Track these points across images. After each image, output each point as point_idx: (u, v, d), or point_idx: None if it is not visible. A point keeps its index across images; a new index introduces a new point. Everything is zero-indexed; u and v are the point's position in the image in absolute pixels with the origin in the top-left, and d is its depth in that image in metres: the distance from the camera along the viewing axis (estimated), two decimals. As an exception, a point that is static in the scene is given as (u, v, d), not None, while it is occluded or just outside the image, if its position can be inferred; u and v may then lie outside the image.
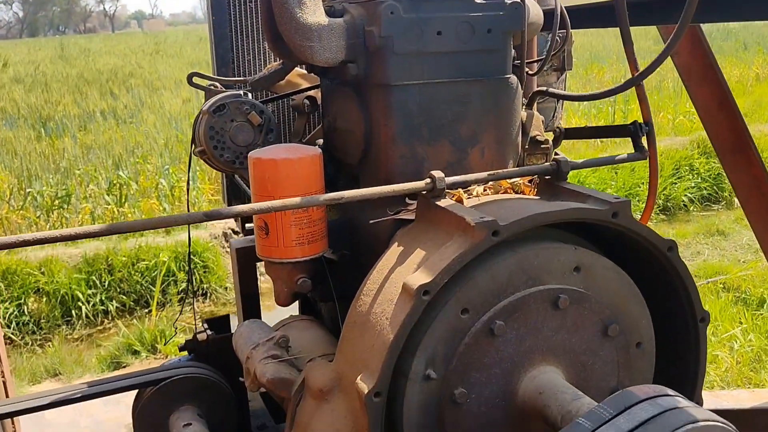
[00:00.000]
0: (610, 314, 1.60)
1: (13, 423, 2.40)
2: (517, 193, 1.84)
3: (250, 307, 2.50)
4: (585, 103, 11.35)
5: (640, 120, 1.97)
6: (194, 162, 2.55)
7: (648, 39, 18.89)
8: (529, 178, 1.83)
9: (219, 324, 2.32)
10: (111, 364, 5.79)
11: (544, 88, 2.17)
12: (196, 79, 2.29)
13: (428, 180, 1.62)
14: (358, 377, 1.45)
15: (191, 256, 7.69)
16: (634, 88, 1.88)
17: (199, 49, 32.21)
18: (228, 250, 9.27)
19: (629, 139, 1.99)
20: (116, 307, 7.91)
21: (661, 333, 1.70)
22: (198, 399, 2.09)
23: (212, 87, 2.18)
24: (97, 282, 8.01)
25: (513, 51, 1.88)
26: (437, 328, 1.48)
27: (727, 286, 6.05)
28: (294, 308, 2.29)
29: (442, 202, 1.61)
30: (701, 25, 2.92)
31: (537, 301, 1.53)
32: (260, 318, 2.32)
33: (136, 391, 2.12)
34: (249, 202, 2.41)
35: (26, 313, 7.56)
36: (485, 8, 1.77)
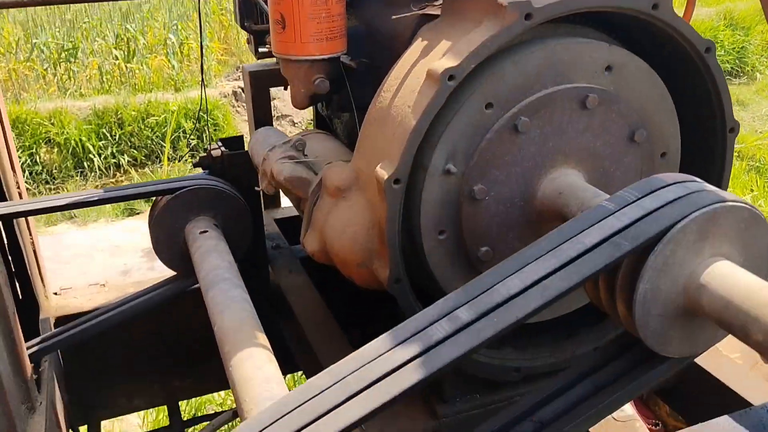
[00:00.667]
0: (638, 119, 1.55)
1: (32, 236, 2.45)
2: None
3: (264, 131, 2.46)
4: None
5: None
6: (204, 20, 2.42)
7: None
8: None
9: (233, 142, 2.30)
10: (125, 210, 5.89)
11: None
12: None
13: (457, -29, 1.52)
14: (378, 166, 1.43)
15: (201, 114, 7.58)
16: None
17: None
18: (238, 109, 9.17)
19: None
20: (127, 161, 7.94)
21: (686, 144, 1.66)
22: (214, 210, 2.10)
23: None
24: (108, 135, 8.00)
25: None
26: (460, 122, 1.44)
27: (741, 155, 5.98)
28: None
29: (471, -7, 1.51)
30: None
31: (564, 99, 1.47)
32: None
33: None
34: (262, 22, 2.31)
35: (38, 162, 7.61)
36: None
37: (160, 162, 7.93)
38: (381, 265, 1.51)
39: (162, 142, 8.02)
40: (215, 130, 8.31)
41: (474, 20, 1.45)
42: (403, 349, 1.11)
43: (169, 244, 2.10)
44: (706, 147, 1.66)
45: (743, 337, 1.10)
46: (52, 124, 7.90)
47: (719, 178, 1.69)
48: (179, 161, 7.91)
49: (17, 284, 2.39)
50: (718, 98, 1.57)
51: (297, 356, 2.27)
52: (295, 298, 2.18)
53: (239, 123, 8.65)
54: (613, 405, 1.27)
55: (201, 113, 7.90)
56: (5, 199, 2.23)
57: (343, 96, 1.84)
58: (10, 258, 2.31)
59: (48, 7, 12.51)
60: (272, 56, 2.33)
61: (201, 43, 2.47)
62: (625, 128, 1.55)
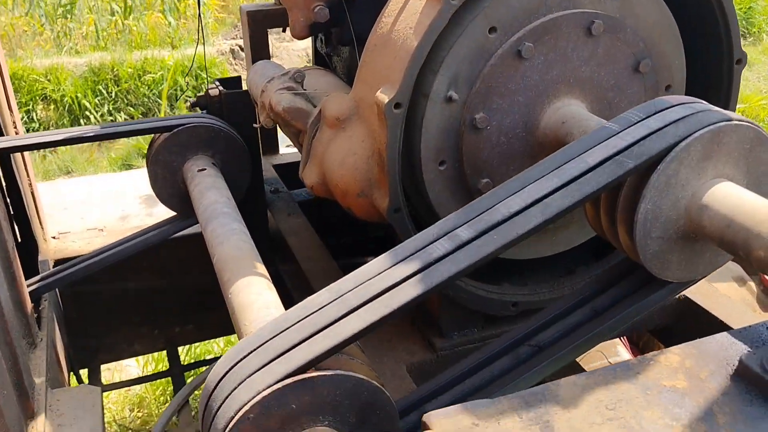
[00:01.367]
0: (643, 48, 1.52)
1: (30, 179, 2.43)
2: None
3: (263, 73, 2.43)
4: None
5: None
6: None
7: None
8: None
9: (231, 82, 2.27)
10: (122, 166, 5.85)
11: None
12: None
13: None
14: (378, 90, 1.40)
15: (200, 71, 7.48)
16: None
17: None
18: (236, 67, 9.07)
19: None
20: (124, 119, 7.88)
21: (691, 77, 1.63)
22: (212, 149, 2.08)
23: None
24: (104, 92, 7.92)
25: None
26: (462, 46, 1.42)
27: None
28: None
29: None
30: None
31: (570, 25, 1.45)
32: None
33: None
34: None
35: (35, 119, 7.55)
36: None
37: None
38: (381, 194, 1.50)
39: (158, 100, 7.95)
40: (213, 88, 8.21)
41: (478, -58, 1.41)
42: (402, 267, 1.11)
43: (167, 182, 2.08)
44: (712, 80, 1.64)
45: (745, 254, 1.09)
46: (49, 80, 7.81)
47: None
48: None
49: (16, 227, 2.39)
50: (726, 27, 1.54)
51: (296, 297, 2.27)
52: (293, 240, 2.18)
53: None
54: (611, 329, 1.27)
55: (199, 70, 7.82)
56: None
57: (344, 29, 1.80)
58: (8, 200, 2.30)
59: (42, -37, 12.30)
60: (271, -4, 2.29)
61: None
62: (630, 57, 1.52)
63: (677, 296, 1.81)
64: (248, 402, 1.02)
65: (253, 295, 1.41)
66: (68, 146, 6.66)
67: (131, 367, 3.73)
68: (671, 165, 1.13)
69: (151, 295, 2.65)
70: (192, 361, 3.54)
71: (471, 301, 1.65)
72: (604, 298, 1.31)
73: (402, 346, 1.71)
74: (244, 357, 1.09)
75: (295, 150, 2.82)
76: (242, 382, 1.05)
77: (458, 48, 1.41)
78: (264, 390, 1.02)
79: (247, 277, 1.46)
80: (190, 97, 7.94)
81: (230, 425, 1.02)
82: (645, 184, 1.14)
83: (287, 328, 1.09)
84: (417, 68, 1.36)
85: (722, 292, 1.92)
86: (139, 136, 7.04)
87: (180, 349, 3.62)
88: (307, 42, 6.29)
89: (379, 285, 1.09)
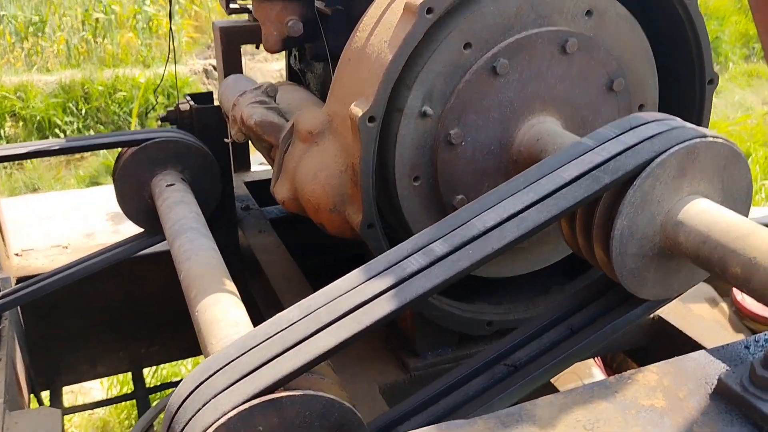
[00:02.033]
0: (617, 67, 1.52)
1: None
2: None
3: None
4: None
5: None
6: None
7: None
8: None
9: (202, 97, 2.23)
10: (90, 183, 5.74)
11: None
12: None
13: None
14: (353, 104, 1.38)
15: (171, 89, 7.42)
16: None
17: None
18: (208, 86, 9.01)
19: None
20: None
21: (664, 97, 1.64)
22: (181, 164, 2.03)
23: None
24: (74, 109, 7.81)
25: None
26: (437, 62, 1.40)
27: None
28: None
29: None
30: None
31: (544, 42, 1.44)
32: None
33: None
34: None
35: (2, 136, 7.40)
36: None
37: (128, 138, 7.78)
38: (353, 210, 1.47)
39: (129, 118, 7.86)
40: (186, 107, 8.14)
41: (454, -43, 1.41)
42: (375, 282, 1.08)
43: (134, 197, 2.03)
44: (685, 100, 1.65)
45: (721, 271, 1.08)
46: (18, 98, 7.68)
47: (696, 133, 1.67)
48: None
49: (-25, 243, 2.31)
50: (698, 47, 1.55)
51: (266, 316, 2.22)
52: (264, 257, 2.13)
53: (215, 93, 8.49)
54: (588, 348, 1.25)
55: (171, 89, 7.75)
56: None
57: (318, 44, 1.78)
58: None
59: (14, -21, 12.16)
60: (243, 12, 2.27)
61: (170, 11, 2.39)
62: (603, 76, 1.52)
63: (651, 316, 1.80)
64: (213, 424, 0.97)
65: (221, 312, 1.36)
66: (35, 163, 6.53)
67: (95, 389, 3.62)
68: (647, 181, 1.12)
69: (116, 314, 2.58)
70: (158, 383, 3.45)
71: (445, 320, 1.62)
72: (580, 316, 1.29)
73: (375, 366, 1.67)
74: (210, 376, 1.04)
75: (267, 167, 2.78)
76: (207, 402, 1.00)
77: (433, 63, 1.39)
78: (230, 411, 0.98)
79: (215, 293, 1.41)
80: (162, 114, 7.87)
81: (194, 448, 0.97)
82: (621, 201, 1.13)
83: (255, 346, 1.05)
84: (391, 82, 1.34)
85: (696, 313, 1.92)
86: (108, 153, 6.94)
87: (146, 371, 3.53)
88: (281, 63, 6.27)
89: (351, 301, 1.06)
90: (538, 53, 1.45)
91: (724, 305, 2.54)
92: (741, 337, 2.50)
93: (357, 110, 1.35)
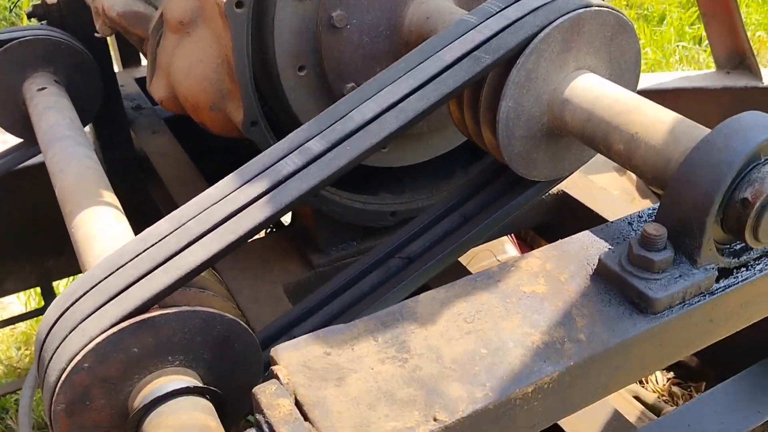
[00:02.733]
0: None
1: None
2: None
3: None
4: None
5: None
6: None
7: None
8: None
9: (71, -13, 2.00)
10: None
11: None
12: None
13: None
14: (218, -11, 1.24)
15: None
16: None
17: None
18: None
19: None
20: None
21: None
22: (53, 65, 1.84)
23: None
24: (-45, 5, 7.06)
25: None
26: (310, -66, 1.26)
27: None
28: None
29: None
30: None
31: None
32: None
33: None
34: None
35: None
36: None
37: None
38: (235, 106, 1.37)
39: (20, 11, 7.19)
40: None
41: None
42: (249, 188, 1.01)
43: (6, 105, 1.84)
44: None
45: (606, 149, 1.06)
46: None
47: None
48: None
49: None
50: None
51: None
52: (159, 160, 2.01)
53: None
54: (480, 234, 1.24)
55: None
56: None
57: None
58: None
59: None
60: None
61: None
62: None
63: (555, 191, 1.80)
64: (80, 350, 0.91)
65: (99, 227, 1.27)
66: None
67: (14, 304, 3.51)
68: (531, 58, 1.06)
69: (16, 229, 2.44)
70: (79, 293, 3.36)
71: (346, 214, 1.58)
72: (473, 203, 1.26)
73: (278, 265, 1.63)
74: (76, 300, 0.98)
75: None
76: (74, 328, 0.94)
77: (305, -64, 1.25)
78: (98, 336, 0.92)
79: (92, 207, 1.32)
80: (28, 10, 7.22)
81: (62, 377, 0.91)
82: (505, 81, 1.07)
83: (123, 265, 0.98)
84: (257, -41, 1.20)
85: (601, 184, 1.94)
86: None
87: (64, 282, 3.43)
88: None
89: (224, 210, 0.99)
90: None
91: (631, 173, 2.58)
92: (648, 203, 2.58)
93: (222, -4, 1.22)
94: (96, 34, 1.68)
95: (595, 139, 1.05)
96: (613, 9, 1.09)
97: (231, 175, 1.04)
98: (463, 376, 0.83)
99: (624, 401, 1.89)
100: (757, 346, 1.36)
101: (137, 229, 1.26)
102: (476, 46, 1.05)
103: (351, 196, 1.57)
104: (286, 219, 2.34)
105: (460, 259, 1.60)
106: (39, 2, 1.97)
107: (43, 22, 1.99)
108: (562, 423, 1.54)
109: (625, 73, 1.17)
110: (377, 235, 1.69)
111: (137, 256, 0.98)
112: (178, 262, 0.96)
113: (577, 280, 0.96)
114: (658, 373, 2.47)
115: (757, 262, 0.98)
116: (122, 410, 0.97)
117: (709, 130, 0.94)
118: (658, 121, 1.00)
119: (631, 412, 1.80)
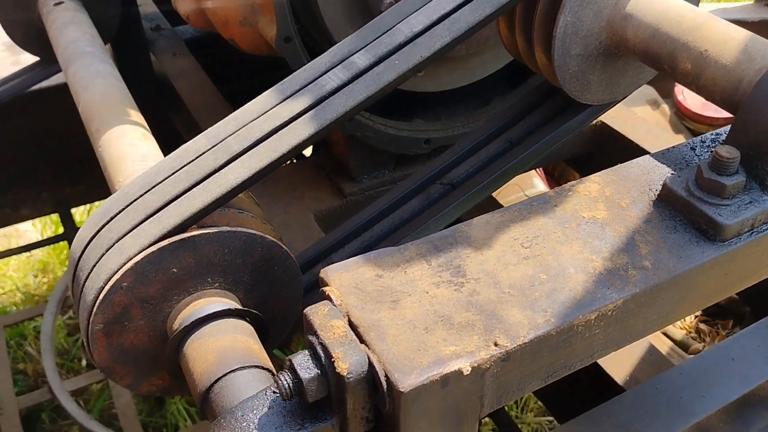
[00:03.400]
0: None
1: None
2: None
3: None
4: None
5: None
6: None
7: None
8: None
9: None
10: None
11: None
12: None
13: None
14: None
15: None
16: None
17: None
18: None
19: None
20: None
21: None
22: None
23: None
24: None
25: None
26: None
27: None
28: None
29: None
30: None
31: None
32: None
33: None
34: None
35: None
36: None
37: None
38: (267, 21, 1.29)
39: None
40: None
41: None
42: (290, 103, 0.95)
43: (21, 21, 1.77)
44: None
45: (671, 69, 0.99)
46: None
47: None
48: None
49: None
50: None
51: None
52: (181, 83, 1.94)
53: None
54: (527, 160, 1.18)
55: None
56: None
57: None
58: None
59: None
60: None
61: None
62: None
63: (593, 122, 1.73)
64: (119, 269, 0.88)
65: (127, 146, 1.22)
66: None
67: (29, 231, 3.50)
68: (595, -33, 0.98)
69: (32, 154, 2.39)
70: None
71: (380, 141, 1.52)
72: (520, 127, 1.20)
73: (309, 194, 1.58)
74: (112, 218, 0.93)
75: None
76: (111, 247, 0.90)
77: None
78: (137, 254, 0.88)
79: (119, 125, 1.26)
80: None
81: (101, 296, 0.88)
82: (565, -7, 0.99)
83: (160, 182, 0.94)
84: None
85: (638, 116, 1.87)
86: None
87: (81, 209, 3.41)
88: None
89: (264, 126, 0.94)
90: None
91: (665, 106, 2.50)
92: (681, 138, 2.50)
93: None
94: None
95: (660, 57, 0.98)
96: None
97: (270, 90, 0.98)
98: (522, 301, 0.79)
99: (653, 337, 1.87)
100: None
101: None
102: (536, -47, 0.97)
103: (385, 122, 1.51)
104: (307, 151, 2.28)
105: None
106: None
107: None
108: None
109: (691, -12, 1.08)
110: (410, 163, 1.63)
111: (174, 173, 0.94)
112: (218, 180, 0.91)
113: (640, 205, 0.91)
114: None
115: (829, 191, 0.92)
116: (161, 332, 0.95)
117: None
118: (729, 39, 0.93)
119: (660, 348, 1.78)
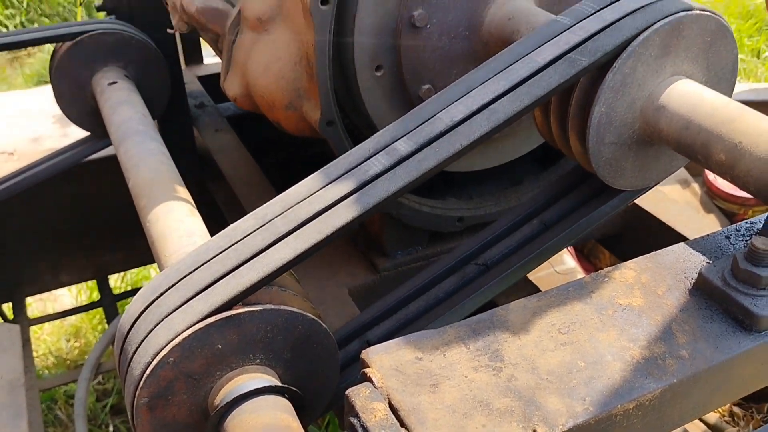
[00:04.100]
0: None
1: None
2: None
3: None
4: None
5: None
6: None
7: None
8: None
9: (143, -16, 2.02)
10: (39, 83, 5.42)
11: None
12: None
13: None
14: (302, -15, 1.23)
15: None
16: None
17: None
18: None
19: None
20: (40, 32, 7.28)
21: None
22: (123, 59, 1.86)
23: None
24: (15, 2, 7.27)
25: None
26: (396, -68, 1.25)
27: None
28: None
29: None
30: None
31: None
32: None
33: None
34: None
35: (-62, 34, 6.90)
36: None
37: (76, 32, 7.32)
38: (311, 106, 1.36)
39: (74, 8, 7.37)
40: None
41: None
42: (335, 187, 0.99)
43: (75, 98, 1.87)
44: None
45: (704, 159, 1.01)
46: (-50, -9, 7.11)
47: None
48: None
49: None
50: None
51: (230, 221, 2.14)
52: (222, 158, 2.02)
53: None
54: (561, 243, 1.20)
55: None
56: None
57: None
58: None
59: None
60: None
61: None
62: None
63: (625, 203, 1.75)
64: (167, 344, 0.91)
65: (174, 221, 1.27)
66: (-23, 63, 6.15)
67: (65, 296, 3.57)
68: (628, 62, 1.02)
69: (74, 221, 2.48)
70: (129, 288, 3.41)
71: (414, 218, 1.56)
72: (554, 210, 1.23)
73: (343, 269, 1.61)
74: (161, 294, 0.97)
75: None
76: (160, 322, 0.93)
77: (392, -66, 1.24)
78: (184, 330, 0.91)
79: (167, 202, 1.32)
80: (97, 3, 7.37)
81: (148, 371, 0.91)
82: (599, 85, 1.04)
83: (209, 260, 0.98)
84: (345, -43, 1.19)
85: (669, 196, 1.88)
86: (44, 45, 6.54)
87: (115, 276, 3.47)
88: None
89: (310, 208, 0.98)
90: None
91: (695, 185, 2.51)
92: (713, 217, 2.51)
93: (308, -7, 1.21)
94: (169, 30, 1.69)
95: (694, 147, 1.01)
96: (714, 13, 1.05)
97: (316, 173, 1.03)
98: (560, 388, 0.80)
99: (689, 421, 1.82)
100: None
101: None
102: (571, 47, 1.02)
103: (419, 200, 1.55)
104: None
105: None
106: (110, -3, 2.00)
107: (111, 15, 2.01)
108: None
109: (722, 81, 1.12)
110: (443, 240, 1.66)
111: (222, 251, 0.98)
112: (264, 259, 0.95)
113: (676, 293, 0.92)
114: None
115: None
116: (202, 407, 0.97)
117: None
118: (764, 131, 0.96)
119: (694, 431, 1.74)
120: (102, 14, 2.07)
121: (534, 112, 1.23)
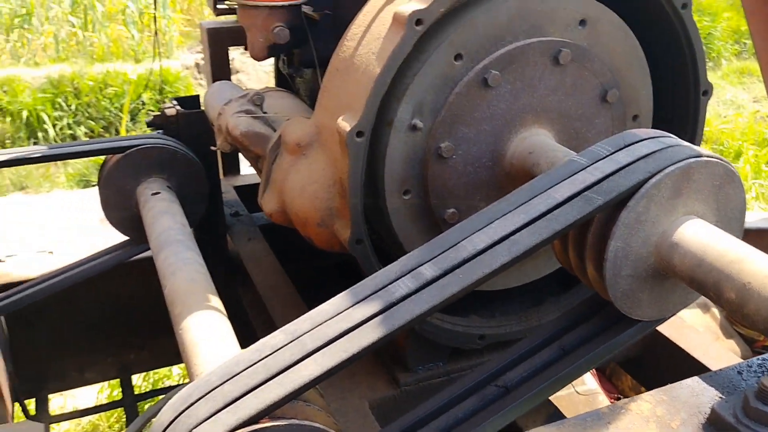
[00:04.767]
0: (611, 78, 1.50)
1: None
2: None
3: (224, 92, 2.35)
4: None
5: None
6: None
7: None
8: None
9: (189, 101, 2.19)
10: (80, 182, 5.68)
11: None
12: None
13: None
14: (340, 118, 1.35)
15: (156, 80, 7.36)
16: None
17: None
18: (201, 81, 8.94)
19: None
20: (84, 132, 7.69)
21: (657, 107, 1.61)
22: (167, 171, 1.99)
23: None
24: (63, 105, 7.72)
25: None
26: (427, 74, 1.37)
27: (706, 138, 6.04)
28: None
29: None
30: None
31: (537, 53, 1.41)
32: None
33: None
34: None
35: (-10, 132, 7.31)
36: None
37: (117, 134, 7.69)
38: (342, 225, 1.44)
39: (120, 114, 7.79)
40: (177, 102, 8.05)
41: (444, -34, 1.37)
42: (362, 307, 1.05)
43: (120, 205, 1.99)
44: (678, 111, 1.62)
45: (715, 296, 1.06)
46: (5, 92, 7.59)
47: (690, 143, 1.65)
48: (138, 131, 7.68)
49: (-42, 249, 2.26)
50: (693, 58, 1.52)
51: (255, 325, 2.19)
52: (253, 265, 2.10)
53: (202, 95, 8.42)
54: (580, 369, 1.23)
55: (164, 84, 7.69)
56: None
57: (305, 50, 1.75)
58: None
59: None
60: (231, 13, 2.22)
61: (155, 5, 2.34)
62: (597, 87, 1.49)
63: (644, 328, 1.78)
64: (195, 456, 0.94)
65: (207, 330, 1.33)
66: (24, 160, 6.46)
67: (84, 393, 3.58)
68: (641, 202, 1.09)
69: (104, 320, 2.54)
70: (150, 388, 3.42)
71: (437, 335, 1.60)
72: (573, 336, 1.26)
73: (365, 381, 1.64)
74: (191, 405, 1.01)
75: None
76: (189, 432, 0.97)
77: (423, 75, 1.36)
78: (212, 442, 0.95)
79: (200, 311, 1.38)
80: (152, 110, 7.78)
81: (175, 481, 0.94)
82: (614, 222, 1.10)
83: (238, 373, 1.02)
84: (380, 96, 1.31)
85: (687, 321, 1.90)
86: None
87: (138, 375, 3.49)
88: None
89: (338, 327, 1.03)
90: (530, 64, 1.42)
91: (715, 310, 2.52)
92: (732, 343, 2.49)
93: (345, 125, 1.32)
94: (212, 148, 1.82)
95: (706, 285, 1.06)
96: (721, 159, 1.13)
97: (344, 293, 1.09)
98: None
99: None
100: None
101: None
102: (587, 186, 1.10)
103: (442, 317, 1.60)
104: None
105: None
106: (158, 113, 2.16)
107: (159, 131, 2.17)
108: None
109: (732, 221, 1.18)
110: (465, 357, 1.69)
111: (252, 365, 1.02)
112: (292, 375, 0.99)
113: (689, 428, 0.94)
114: None
115: None
116: None
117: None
118: (771, 272, 1.01)
119: None
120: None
121: (553, 243, 1.30)
